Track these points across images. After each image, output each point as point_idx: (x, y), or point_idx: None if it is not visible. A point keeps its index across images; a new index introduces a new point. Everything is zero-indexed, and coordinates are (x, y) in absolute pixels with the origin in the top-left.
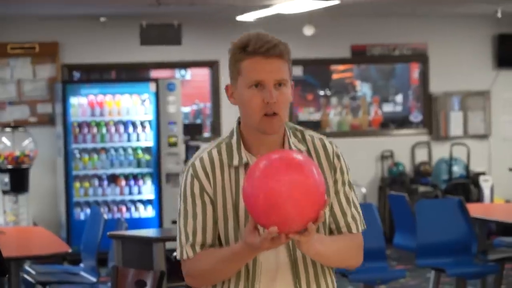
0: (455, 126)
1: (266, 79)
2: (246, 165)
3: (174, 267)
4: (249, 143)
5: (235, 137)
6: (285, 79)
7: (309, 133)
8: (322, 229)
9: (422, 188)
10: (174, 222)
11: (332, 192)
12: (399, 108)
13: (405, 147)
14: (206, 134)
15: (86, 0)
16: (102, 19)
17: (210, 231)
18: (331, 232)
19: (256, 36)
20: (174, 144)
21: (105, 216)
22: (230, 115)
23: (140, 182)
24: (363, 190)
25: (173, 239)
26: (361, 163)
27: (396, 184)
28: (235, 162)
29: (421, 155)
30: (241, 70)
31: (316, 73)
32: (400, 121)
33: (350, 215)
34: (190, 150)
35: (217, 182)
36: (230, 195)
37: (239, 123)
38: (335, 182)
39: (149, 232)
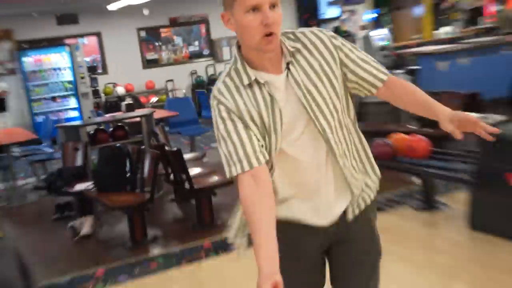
0: (226, 54)
1: (261, 2)
2: (256, 81)
3: (93, 140)
4: (253, 62)
5: (239, 61)
6: (278, 0)
7: (299, 30)
8: (334, 113)
9: (210, 87)
10: (89, 117)
11: (349, 65)
12: (197, 48)
13: (202, 67)
14: (99, 71)
15: (28, 2)
16: (34, 14)
17: (248, 143)
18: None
19: None
20: (82, 77)
21: (52, 118)
22: (111, 62)
23: (68, 99)
24: (184, 91)
25: (89, 124)
26: (182, 77)
27: (199, 87)
28: (245, 81)
29: (210, 71)
30: None
31: (152, 34)
32: (198, 55)
33: (375, 69)
34: (93, 81)
35: (238, 103)
36: (254, 109)
37: (239, 47)
38: (347, 56)
39: (76, 123)
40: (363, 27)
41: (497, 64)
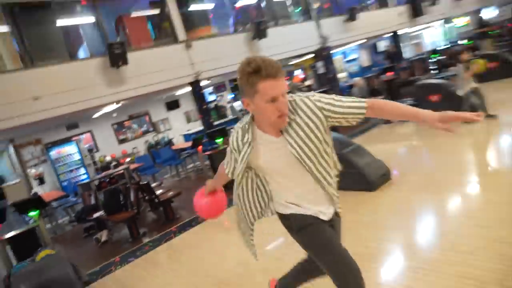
0: (162, 128)
1: (278, 95)
2: (252, 141)
3: (98, 187)
4: (263, 129)
5: (249, 126)
6: (286, 90)
7: (296, 99)
8: (324, 164)
9: (158, 147)
10: (94, 176)
11: (335, 114)
12: (145, 128)
13: (150, 137)
14: (94, 150)
15: (49, 122)
16: (53, 127)
17: (231, 169)
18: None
19: (264, 62)
20: (85, 156)
21: (72, 181)
22: (100, 144)
23: (79, 169)
24: (142, 152)
25: (95, 179)
26: (140, 145)
27: (151, 148)
28: (245, 139)
29: (155, 139)
30: (258, 90)
31: (120, 125)
32: (146, 131)
33: (354, 103)
34: (92, 156)
35: (240, 149)
36: (244, 158)
37: (252, 117)
38: (330, 110)
39: (87, 180)
40: (229, 102)
41: None
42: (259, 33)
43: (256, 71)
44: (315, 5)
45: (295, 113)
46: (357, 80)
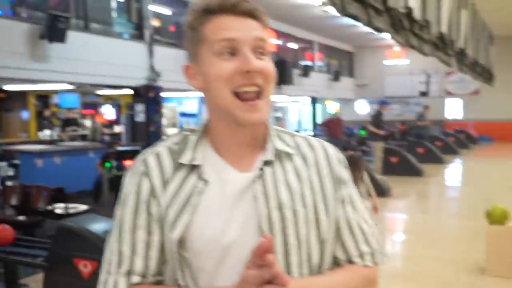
0: None
1: (240, 39)
2: (198, 167)
3: None
4: (218, 140)
5: (199, 132)
6: (265, 44)
7: (300, 135)
8: (306, 268)
9: None
10: None
11: (335, 210)
12: None
13: None
14: None
15: None
16: None
17: (155, 255)
18: (338, 265)
19: None
20: None
21: None
22: None
23: None
24: None
25: None
26: None
27: None
28: (183, 159)
29: None
30: (203, 36)
31: None
32: None
33: (363, 241)
34: None
35: (171, 187)
36: (178, 207)
37: (206, 125)
38: (342, 200)
39: None
40: None
41: (85, 163)
42: (54, 32)
43: (204, 8)
44: (154, 23)
45: (294, 148)
46: None
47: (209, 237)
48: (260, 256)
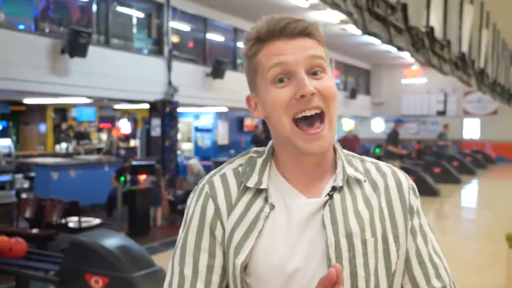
0: None
1: (292, 62)
2: (264, 191)
3: None
4: (284, 166)
5: (265, 155)
6: (322, 61)
7: (370, 159)
8: None
9: None
10: None
11: (406, 243)
12: None
13: None
14: None
15: None
16: None
17: (217, 280)
18: None
19: (269, 18)
20: None
21: None
22: None
23: None
24: None
25: None
26: None
27: None
28: (249, 182)
29: None
30: (258, 65)
31: None
32: None
33: (434, 275)
34: None
35: (236, 210)
36: (243, 232)
37: (272, 148)
38: (412, 230)
39: None
40: None
41: (100, 177)
42: (75, 47)
43: (255, 36)
44: (173, 38)
45: (366, 175)
46: (193, 162)
47: (274, 264)
48: (328, 287)
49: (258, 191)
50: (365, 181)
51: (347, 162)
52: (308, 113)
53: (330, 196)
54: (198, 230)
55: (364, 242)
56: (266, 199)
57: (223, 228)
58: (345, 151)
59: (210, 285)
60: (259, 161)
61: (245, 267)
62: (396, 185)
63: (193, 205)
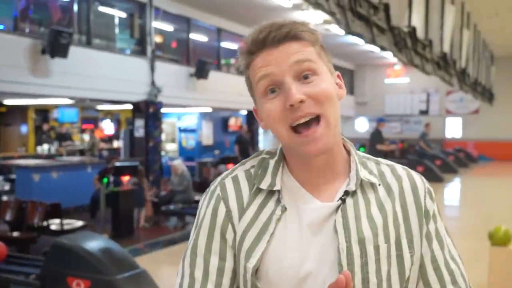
0: None
1: (277, 72)
2: (276, 193)
3: None
4: (295, 169)
5: (277, 156)
6: (311, 64)
7: (385, 162)
8: None
9: None
10: None
11: (421, 248)
12: None
13: None
14: None
15: None
16: None
17: (227, 283)
18: None
19: (255, 29)
20: None
21: None
22: None
23: None
24: None
25: None
26: None
27: None
28: (262, 184)
29: None
30: (250, 80)
31: None
32: None
33: (449, 282)
34: None
35: (248, 213)
36: (255, 234)
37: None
38: (428, 235)
39: None
40: None
41: (83, 178)
42: (56, 47)
43: (246, 49)
44: (156, 39)
45: (381, 178)
46: (177, 163)
47: (286, 268)
48: None
49: (270, 193)
50: (379, 184)
51: (361, 164)
52: (302, 121)
53: (343, 201)
54: (209, 233)
55: (376, 248)
56: (278, 201)
57: (234, 231)
58: (360, 153)
59: (221, 287)
60: (271, 162)
61: (256, 271)
62: (411, 188)
63: (204, 207)
